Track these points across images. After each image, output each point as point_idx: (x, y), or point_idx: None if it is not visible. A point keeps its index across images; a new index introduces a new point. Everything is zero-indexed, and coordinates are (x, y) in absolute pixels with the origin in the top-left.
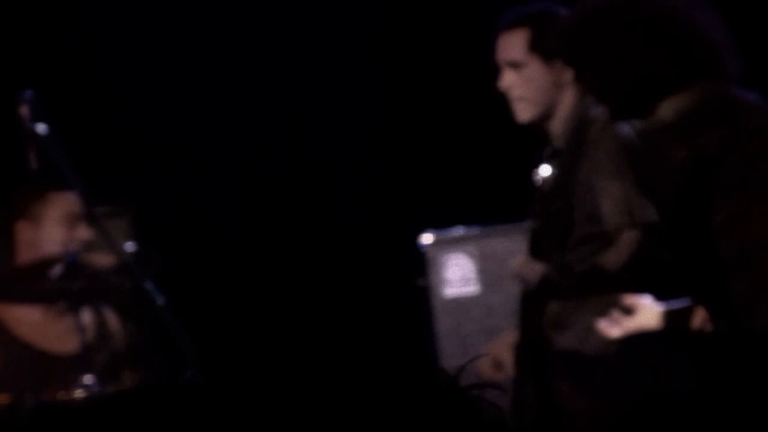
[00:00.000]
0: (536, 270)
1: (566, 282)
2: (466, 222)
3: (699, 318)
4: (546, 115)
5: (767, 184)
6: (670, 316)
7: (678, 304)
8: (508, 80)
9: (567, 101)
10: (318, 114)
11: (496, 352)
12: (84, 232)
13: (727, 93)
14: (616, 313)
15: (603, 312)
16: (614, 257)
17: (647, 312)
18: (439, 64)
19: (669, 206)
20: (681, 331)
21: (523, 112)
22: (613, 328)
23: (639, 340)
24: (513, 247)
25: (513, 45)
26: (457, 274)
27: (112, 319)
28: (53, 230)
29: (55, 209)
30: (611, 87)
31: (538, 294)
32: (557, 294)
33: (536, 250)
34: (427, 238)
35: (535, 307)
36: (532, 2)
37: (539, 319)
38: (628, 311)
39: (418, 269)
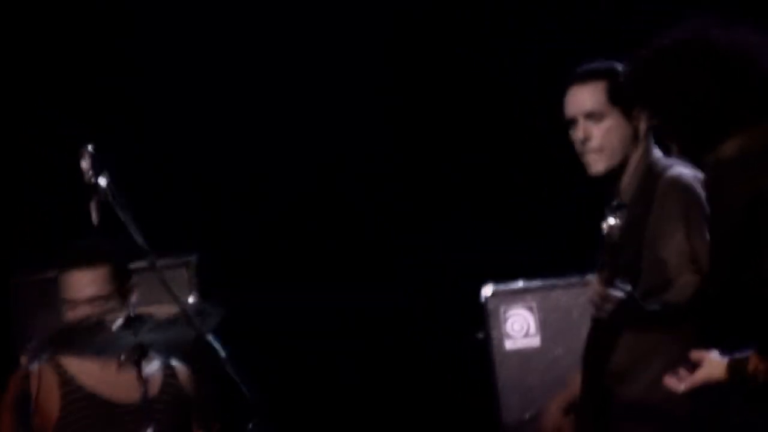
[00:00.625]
0: (613, 297)
1: (636, 312)
2: (528, 275)
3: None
4: (619, 167)
5: None
6: (736, 366)
7: (743, 353)
8: (586, 131)
9: (637, 154)
10: (380, 165)
11: (555, 411)
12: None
13: None
14: (681, 369)
15: (669, 365)
16: (673, 297)
17: (713, 364)
18: (506, 118)
19: (726, 241)
20: (748, 380)
21: (599, 164)
22: (680, 383)
23: (706, 390)
24: (574, 300)
25: (592, 96)
26: (518, 327)
27: (181, 371)
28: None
29: (61, 294)
30: (680, 124)
31: (609, 323)
32: (628, 322)
33: None
34: (488, 291)
35: (599, 359)
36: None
37: (602, 371)
38: (694, 366)
39: (479, 322)
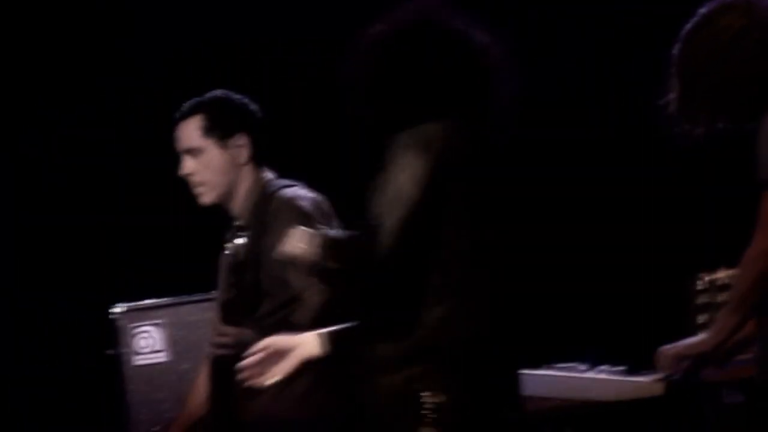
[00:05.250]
0: (232, 334)
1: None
2: (156, 293)
3: None
4: (227, 196)
5: None
6: (333, 338)
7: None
8: (188, 167)
9: (245, 179)
10: None
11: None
12: None
13: None
14: (261, 361)
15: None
16: (303, 313)
17: (304, 342)
18: None
19: None
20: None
21: (205, 196)
22: (266, 375)
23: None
24: (201, 316)
25: (189, 133)
26: (146, 343)
27: None
28: None
29: None
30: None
31: (234, 358)
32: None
33: (229, 320)
34: (117, 308)
35: (226, 375)
36: None
37: (230, 386)
38: (281, 354)
39: (110, 339)
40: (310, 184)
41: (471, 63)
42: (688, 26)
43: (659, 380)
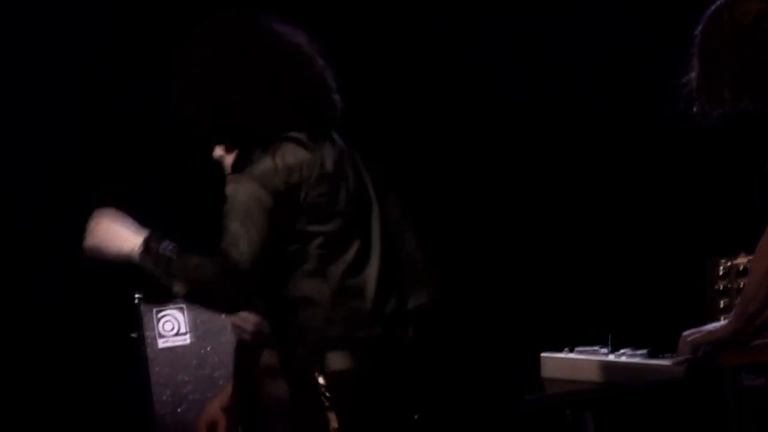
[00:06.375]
0: (252, 322)
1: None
2: None
3: None
4: None
5: None
6: None
7: None
8: (219, 152)
9: None
10: None
11: (215, 407)
12: None
13: None
14: None
15: None
16: None
17: None
18: None
19: None
20: None
21: None
22: None
23: None
24: None
25: None
26: (170, 327)
27: None
28: None
29: None
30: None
31: (252, 344)
32: (271, 343)
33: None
34: (139, 293)
35: (249, 357)
36: None
37: (253, 369)
38: None
39: (134, 322)
40: None
41: (302, 64)
42: (709, 10)
43: (680, 364)
